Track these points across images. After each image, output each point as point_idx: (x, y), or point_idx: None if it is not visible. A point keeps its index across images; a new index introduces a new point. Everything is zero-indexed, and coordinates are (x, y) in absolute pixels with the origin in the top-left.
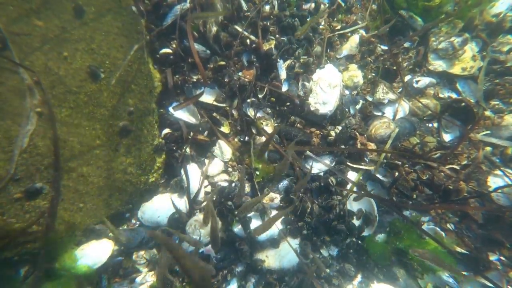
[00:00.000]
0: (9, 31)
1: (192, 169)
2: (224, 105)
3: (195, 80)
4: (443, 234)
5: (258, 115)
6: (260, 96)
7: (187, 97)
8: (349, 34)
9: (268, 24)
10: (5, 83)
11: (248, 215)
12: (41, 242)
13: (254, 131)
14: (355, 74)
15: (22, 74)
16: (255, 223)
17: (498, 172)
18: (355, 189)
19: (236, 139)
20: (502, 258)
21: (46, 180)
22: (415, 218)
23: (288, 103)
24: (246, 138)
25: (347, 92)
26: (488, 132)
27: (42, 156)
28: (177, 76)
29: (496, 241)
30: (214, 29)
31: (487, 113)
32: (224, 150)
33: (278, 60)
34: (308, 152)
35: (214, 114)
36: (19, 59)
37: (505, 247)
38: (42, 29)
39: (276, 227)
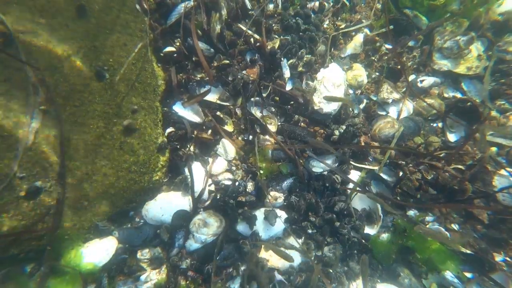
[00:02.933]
0: (13, 29)
1: (196, 167)
2: (228, 103)
3: (198, 78)
4: (448, 234)
5: (262, 113)
6: (264, 95)
7: (192, 95)
8: (353, 33)
9: (272, 23)
10: (10, 80)
11: (253, 213)
12: (47, 239)
13: (258, 130)
14: (359, 73)
15: (27, 71)
16: (260, 222)
17: (503, 172)
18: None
19: (240, 138)
20: (508, 259)
21: (51, 178)
22: (419, 218)
23: (292, 102)
24: (250, 137)
25: (351, 91)
26: (494, 132)
27: (47, 154)
28: (181, 74)
29: (501, 240)
30: (218, 27)
31: (493, 113)
32: (228, 149)
33: (282, 59)
34: (310, 153)
35: (218, 112)
36: (24, 57)
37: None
38: (46, 26)
39: (281, 225)
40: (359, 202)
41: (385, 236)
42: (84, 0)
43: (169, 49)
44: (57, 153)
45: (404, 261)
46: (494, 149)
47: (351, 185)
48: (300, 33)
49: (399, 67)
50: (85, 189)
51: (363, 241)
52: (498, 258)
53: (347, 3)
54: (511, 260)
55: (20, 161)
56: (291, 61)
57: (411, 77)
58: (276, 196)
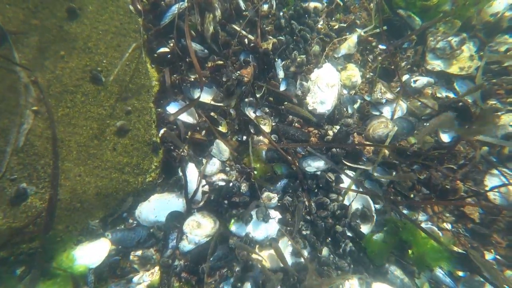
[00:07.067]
0: (6, 30)
1: (190, 168)
2: (222, 104)
3: (192, 79)
4: (440, 233)
5: (256, 114)
6: (258, 95)
7: (184, 98)
8: (347, 33)
9: (266, 24)
10: (1, 81)
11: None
12: (38, 241)
13: (252, 130)
14: (353, 74)
15: (19, 72)
16: (254, 223)
17: (495, 171)
18: (353, 186)
19: (234, 139)
20: (498, 257)
21: (43, 180)
22: (411, 217)
23: (286, 102)
24: (244, 137)
25: (345, 91)
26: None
27: (38, 155)
28: (174, 75)
29: (487, 236)
30: (212, 28)
31: None
32: (222, 149)
33: (276, 59)
34: (309, 148)
35: (212, 113)
36: (16, 58)
37: (502, 247)
38: (39, 28)
39: (276, 226)
40: (353, 201)
41: (378, 235)
42: (77, 1)
43: (163, 50)
44: (49, 154)
45: (397, 260)
46: (485, 148)
47: (344, 185)
48: (294, 37)
49: (393, 67)
50: (77, 190)
51: (357, 239)
52: (489, 256)
53: (341, 3)
54: (501, 258)
55: (11, 162)
56: (285, 61)
57: (405, 77)
58: (270, 196)
